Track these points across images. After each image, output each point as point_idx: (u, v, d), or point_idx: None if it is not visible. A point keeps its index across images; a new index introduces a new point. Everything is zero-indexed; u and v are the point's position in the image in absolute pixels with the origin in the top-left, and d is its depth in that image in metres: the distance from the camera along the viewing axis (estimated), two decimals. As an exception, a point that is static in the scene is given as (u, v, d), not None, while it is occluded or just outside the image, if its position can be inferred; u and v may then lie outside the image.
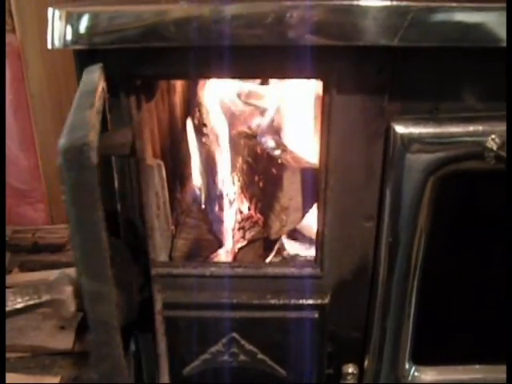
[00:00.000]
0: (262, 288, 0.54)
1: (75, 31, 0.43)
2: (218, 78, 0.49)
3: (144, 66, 0.45)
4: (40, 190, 1.36)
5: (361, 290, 0.56)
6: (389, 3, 0.43)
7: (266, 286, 0.55)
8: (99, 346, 0.38)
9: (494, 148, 0.48)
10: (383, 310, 0.56)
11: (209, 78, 0.49)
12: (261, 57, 0.47)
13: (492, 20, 0.46)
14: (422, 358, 0.59)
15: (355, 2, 0.43)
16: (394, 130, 0.48)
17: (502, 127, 0.50)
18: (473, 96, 0.50)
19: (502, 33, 0.45)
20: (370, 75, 0.46)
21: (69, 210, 0.33)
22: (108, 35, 0.43)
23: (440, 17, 0.44)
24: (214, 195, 0.77)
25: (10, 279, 1.19)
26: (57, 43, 0.43)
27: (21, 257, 1.30)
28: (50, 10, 0.43)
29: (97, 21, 0.43)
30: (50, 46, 0.44)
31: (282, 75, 0.50)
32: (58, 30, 0.43)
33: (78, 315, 1.14)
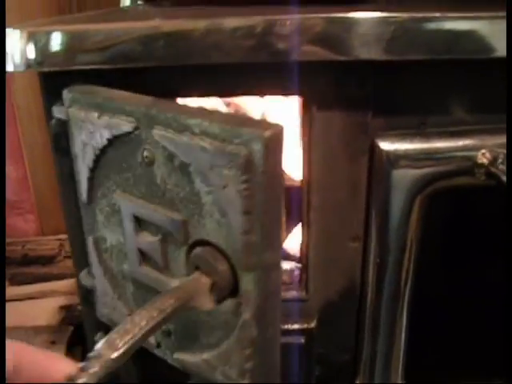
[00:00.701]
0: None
1: (45, 51, 0.42)
2: (191, 97, 0.47)
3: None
4: (29, 201, 1.34)
5: (349, 312, 0.53)
6: (369, 15, 0.39)
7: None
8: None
9: (485, 163, 0.46)
10: (373, 331, 0.54)
11: (183, 96, 0.47)
12: (236, 74, 0.44)
13: (480, 29, 0.43)
14: (415, 380, 0.57)
15: (333, 15, 0.39)
16: (378, 146, 0.46)
17: (493, 141, 0.48)
18: (462, 109, 0.47)
19: (491, 43, 0.42)
20: (351, 90, 0.44)
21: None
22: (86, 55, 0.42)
23: (425, 28, 0.41)
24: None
25: (0, 293, 1.17)
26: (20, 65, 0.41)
27: (11, 269, 1.28)
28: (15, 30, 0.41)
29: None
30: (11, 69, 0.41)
31: (259, 93, 0.47)
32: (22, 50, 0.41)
33: (69, 329, 1.12)
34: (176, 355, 0.44)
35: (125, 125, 0.40)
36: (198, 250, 0.39)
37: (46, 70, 0.43)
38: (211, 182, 0.36)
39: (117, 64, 0.42)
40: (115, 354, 0.32)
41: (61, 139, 0.44)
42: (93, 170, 0.43)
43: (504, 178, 0.44)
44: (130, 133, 0.40)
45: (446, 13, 0.42)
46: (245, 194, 0.35)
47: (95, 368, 0.31)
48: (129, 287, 0.46)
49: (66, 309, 1.21)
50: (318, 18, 0.41)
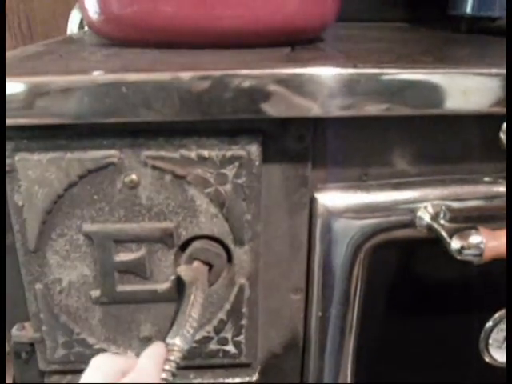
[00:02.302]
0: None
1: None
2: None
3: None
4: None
5: (292, 364, 0.55)
6: (298, 70, 0.40)
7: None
8: None
9: (426, 218, 0.47)
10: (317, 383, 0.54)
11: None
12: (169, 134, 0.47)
13: (422, 84, 0.44)
14: None
15: (261, 71, 0.40)
16: (317, 200, 0.46)
17: (435, 193, 0.49)
18: (404, 160, 0.49)
19: (432, 98, 0.43)
20: (289, 144, 0.45)
21: None
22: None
23: (364, 83, 0.42)
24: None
25: None
26: None
27: None
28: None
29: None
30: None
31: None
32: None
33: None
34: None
35: (103, 158, 0.48)
36: (195, 244, 0.51)
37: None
38: (210, 184, 0.48)
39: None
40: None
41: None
42: (49, 213, 0.49)
43: (445, 235, 0.44)
44: (108, 164, 0.48)
45: (387, 68, 0.46)
46: (244, 185, 0.49)
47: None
48: (95, 316, 0.54)
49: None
50: (252, 75, 0.45)
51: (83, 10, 0.62)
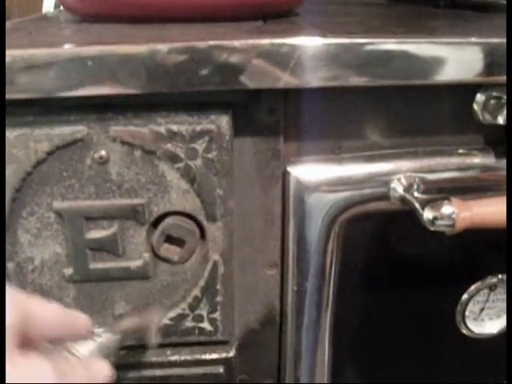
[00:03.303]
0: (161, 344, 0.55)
1: None
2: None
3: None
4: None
5: (270, 339, 0.56)
6: (268, 41, 0.39)
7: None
8: None
9: (399, 190, 0.47)
10: (295, 357, 0.55)
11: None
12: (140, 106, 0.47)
13: (395, 53, 0.46)
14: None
15: (230, 42, 0.40)
16: (290, 173, 0.46)
17: (408, 165, 0.49)
18: (377, 133, 0.49)
19: (406, 68, 0.44)
20: (260, 116, 0.44)
21: None
22: None
23: (335, 52, 0.41)
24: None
25: None
26: None
27: None
28: None
29: None
30: None
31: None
32: None
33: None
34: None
35: (71, 134, 0.47)
36: (167, 220, 0.51)
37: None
38: (180, 159, 0.48)
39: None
40: None
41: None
42: (18, 190, 0.49)
43: (417, 206, 0.44)
44: (77, 140, 0.47)
45: (359, 37, 0.46)
46: (215, 160, 0.48)
47: None
48: (69, 294, 0.54)
49: None
50: (222, 46, 0.44)
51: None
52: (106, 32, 0.53)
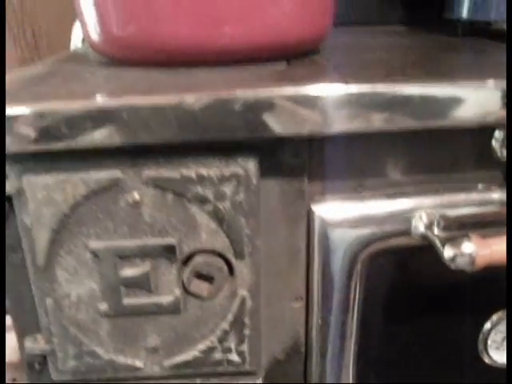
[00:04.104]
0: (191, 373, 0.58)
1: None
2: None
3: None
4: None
5: (295, 368, 0.58)
6: (292, 89, 0.42)
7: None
8: None
9: (421, 227, 0.49)
10: None
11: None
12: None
13: (414, 98, 0.49)
14: None
15: (255, 91, 0.43)
16: (314, 211, 0.48)
17: (429, 202, 0.51)
18: (397, 171, 0.51)
19: (424, 112, 0.48)
20: (286, 159, 0.47)
21: None
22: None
23: (354, 100, 0.43)
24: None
25: None
26: None
27: None
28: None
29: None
30: None
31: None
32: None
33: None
34: (167, 363, 0.57)
35: (106, 179, 0.50)
36: (197, 259, 0.53)
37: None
38: (209, 201, 0.51)
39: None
40: None
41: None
42: (57, 231, 0.52)
43: (438, 243, 0.46)
44: (112, 185, 0.50)
45: (380, 82, 0.48)
46: (243, 201, 0.51)
47: None
48: (103, 328, 0.56)
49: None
50: (247, 95, 0.47)
51: (84, 29, 0.64)
52: (136, 79, 0.56)
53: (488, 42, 0.80)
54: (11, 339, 1.33)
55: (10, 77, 0.59)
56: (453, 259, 0.50)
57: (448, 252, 0.51)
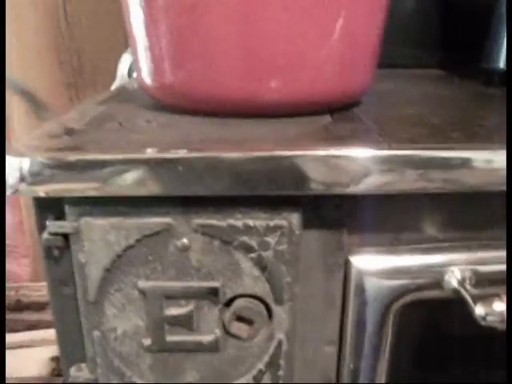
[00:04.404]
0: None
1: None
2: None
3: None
4: (24, 245, 1.39)
5: None
6: (335, 152, 0.45)
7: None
8: None
9: (453, 283, 0.51)
10: None
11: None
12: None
13: (453, 161, 0.51)
14: None
15: (303, 153, 0.46)
16: (352, 262, 0.51)
17: (462, 258, 0.53)
18: (433, 227, 0.54)
19: (461, 175, 0.51)
20: (327, 213, 0.50)
21: None
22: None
23: (394, 163, 0.46)
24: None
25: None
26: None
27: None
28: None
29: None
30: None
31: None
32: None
33: (59, 381, 1.16)
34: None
35: (158, 225, 0.54)
36: (238, 302, 0.56)
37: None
38: (254, 249, 0.54)
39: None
40: None
41: (53, 251, 0.50)
42: (108, 270, 0.55)
43: (470, 301, 0.48)
44: (163, 230, 0.54)
45: (420, 147, 0.51)
46: (285, 251, 0.54)
47: None
48: (145, 361, 0.60)
49: (56, 360, 1.24)
50: (293, 156, 0.50)
51: (136, 68, 0.68)
52: (189, 130, 0.59)
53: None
54: (43, 352, 1.37)
55: (70, 116, 0.64)
56: (484, 318, 0.53)
57: (479, 310, 0.53)
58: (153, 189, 0.51)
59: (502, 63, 0.86)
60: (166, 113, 0.66)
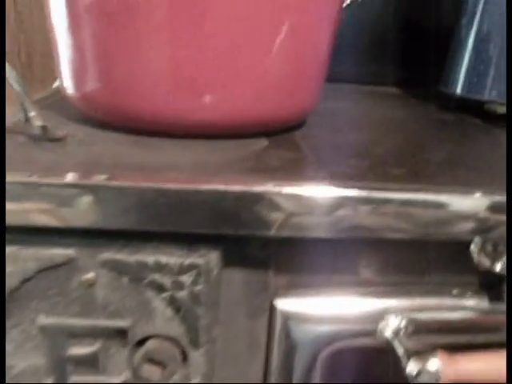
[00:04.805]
0: None
1: None
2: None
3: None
4: None
5: None
6: (263, 188, 0.41)
7: None
8: None
9: (386, 333, 0.46)
10: None
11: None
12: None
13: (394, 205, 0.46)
14: None
15: (224, 187, 0.41)
16: (277, 305, 0.46)
17: (399, 304, 0.48)
18: (369, 270, 0.48)
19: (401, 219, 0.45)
20: (252, 251, 0.44)
21: None
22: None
23: (329, 204, 0.41)
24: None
25: None
26: None
27: None
28: None
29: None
30: None
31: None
32: None
33: None
34: None
35: (60, 256, 0.48)
36: (149, 343, 0.50)
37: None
38: (166, 289, 0.48)
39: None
40: None
41: None
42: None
43: (402, 355, 0.43)
44: (65, 263, 0.48)
45: (357, 187, 0.46)
46: (201, 293, 0.48)
47: None
48: None
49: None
50: (215, 190, 0.44)
51: (59, 79, 0.62)
52: (104, 150, 0.53)
53: (479, 123, 0.78)
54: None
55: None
56: (415, 376, 0.48)
57: (411, 367, 0.48)
58: (51, 219, 0.45)
59: (459, 89, 0.82)
60: (88, 126, 0.60)
